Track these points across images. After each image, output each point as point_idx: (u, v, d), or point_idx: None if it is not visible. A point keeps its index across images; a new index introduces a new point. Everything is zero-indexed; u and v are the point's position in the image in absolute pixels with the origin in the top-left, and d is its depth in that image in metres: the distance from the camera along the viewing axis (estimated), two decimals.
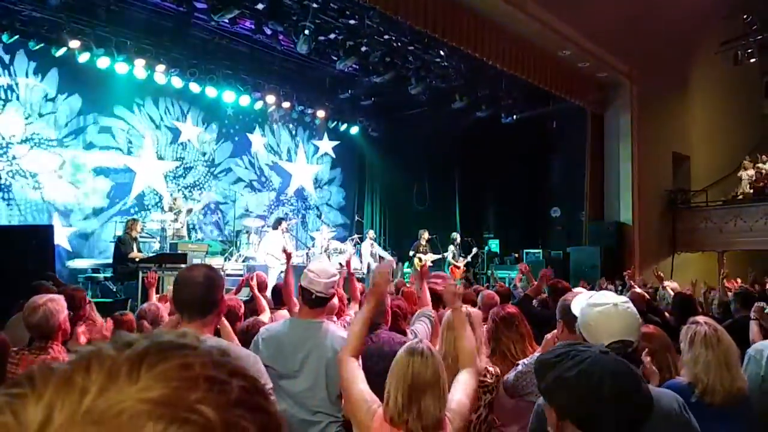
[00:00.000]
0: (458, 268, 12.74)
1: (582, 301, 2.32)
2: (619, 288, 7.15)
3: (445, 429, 2.10)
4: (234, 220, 12.46)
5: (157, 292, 5.31)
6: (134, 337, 0.47)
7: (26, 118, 10.75)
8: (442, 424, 2.08)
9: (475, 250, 13.34)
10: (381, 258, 12.56)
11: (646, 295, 5.25)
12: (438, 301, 4.60)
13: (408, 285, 5.99)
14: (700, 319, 2.79)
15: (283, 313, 5.02)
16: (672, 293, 5.57)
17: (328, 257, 11.93)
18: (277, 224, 10.98)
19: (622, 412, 1.35)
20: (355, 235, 13.47)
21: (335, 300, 3.21)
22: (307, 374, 2.83)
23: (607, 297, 2.18)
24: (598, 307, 2.09)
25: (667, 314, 4.71)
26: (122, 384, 0.42)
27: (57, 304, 2.92)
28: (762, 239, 13.05)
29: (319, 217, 14.15)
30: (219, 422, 0.42)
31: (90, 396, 0.41)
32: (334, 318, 3.98)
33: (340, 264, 8.00)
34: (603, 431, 1.38)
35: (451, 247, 13.00)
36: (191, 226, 11.80)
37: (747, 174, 14.38)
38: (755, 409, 2.88)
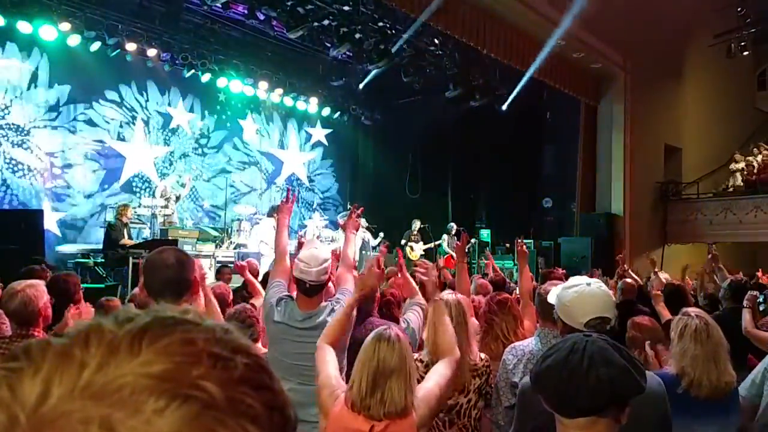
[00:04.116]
0: (452, 258, 12.73)
1: (557, 288, 2.36)
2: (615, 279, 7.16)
3: (410, 416, 2.06)
4: (225, 207, 12.40)
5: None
6: (135, 312, 0.45)
7: (15, 101, 10.62)
8: (406, 411, 2.05)
9: (473, 240, 13.33)
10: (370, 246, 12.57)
11: (639, 281, 5.29)
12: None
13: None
14: (692, 311, 2.79)
15: None
16: (664, 281, 5.61)
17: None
18: (272, 212, 10.94)
19: (573, 383, 1.34)
20: None
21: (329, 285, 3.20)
22: (309, 363, 2.71)
23: (580, 279, 2.24)
24: (573, 288, 2.16)
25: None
26: (123, 358, 0.40)
27: (36, 289, 2.85)
28: (751, 232, 13.17)
29: (314, 206, 14.10)
30: (222, 399, 0.40)
31: (89, 370, 0.39)
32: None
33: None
34: (548, 397, 1.40)
35: (446, 236, 13.00)
36: (182, 213, 11.76)
37: (738, 167, 14.48)
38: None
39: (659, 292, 3.81)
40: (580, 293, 2.11)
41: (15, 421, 0.37)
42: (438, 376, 2.30)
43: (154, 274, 2.16)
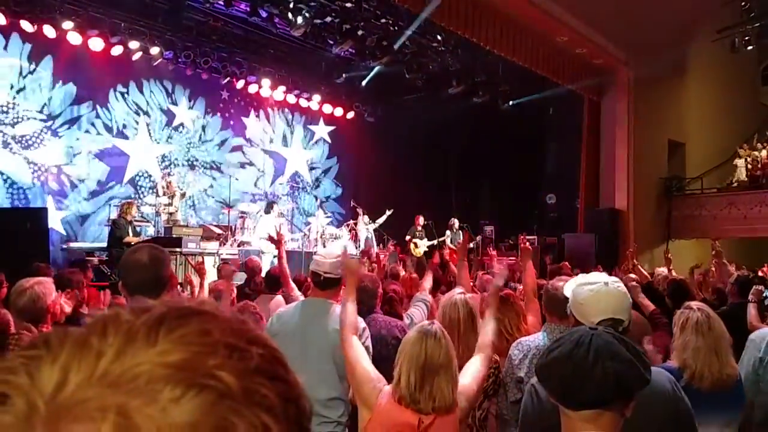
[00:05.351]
0: (455, 253, 12.71)
1: (573, 282, 2.34)
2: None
3: (455, 411, 2.10)
4: (229, 204, 12.41)
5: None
6: (152, 303, 0.46)
7: (19, 101, 10.64)
8: (453, 406, 2.08)
9: (476, 241, 13.30)
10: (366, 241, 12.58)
11: (648, 277, 5.26)
12: (437, 286, 4.61)
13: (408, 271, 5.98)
14: (694, 304, 2.81)
15: (278, 298, 5.04)
16: (671, 274, 5.59)
17: (323, 244, 11.91)
18: (269, 208, 10.95)
19: (580, 376, 1.33)
20: (351, 221, 13.46)
21: None
22: (309, 358, 2.73)
23: (598, 276, 2.21)
24: (589, 286, 2.11)
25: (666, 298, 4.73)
26: (139, 347, 0.41)
27: (44, 287, 2.87)
28: (755, 227, 13.14)
29: (318, 204, 14.12)
30: (238, 389, 0.41)
31: (106, 359, 0.40)
32: None
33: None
34: (552, 389, 1.40)
35: (448, 232, 13.00)
36: (186, 210, 11.77)
37: (742, 162, 14.43)
38: (749, 391, 2.90)
39: (635, 283, 3.79)
40: (596, 292, 2.07)
41: (34, 407, 0.37)
42: (475, 371, 2.32)
43: (129, 274, 2.16)
